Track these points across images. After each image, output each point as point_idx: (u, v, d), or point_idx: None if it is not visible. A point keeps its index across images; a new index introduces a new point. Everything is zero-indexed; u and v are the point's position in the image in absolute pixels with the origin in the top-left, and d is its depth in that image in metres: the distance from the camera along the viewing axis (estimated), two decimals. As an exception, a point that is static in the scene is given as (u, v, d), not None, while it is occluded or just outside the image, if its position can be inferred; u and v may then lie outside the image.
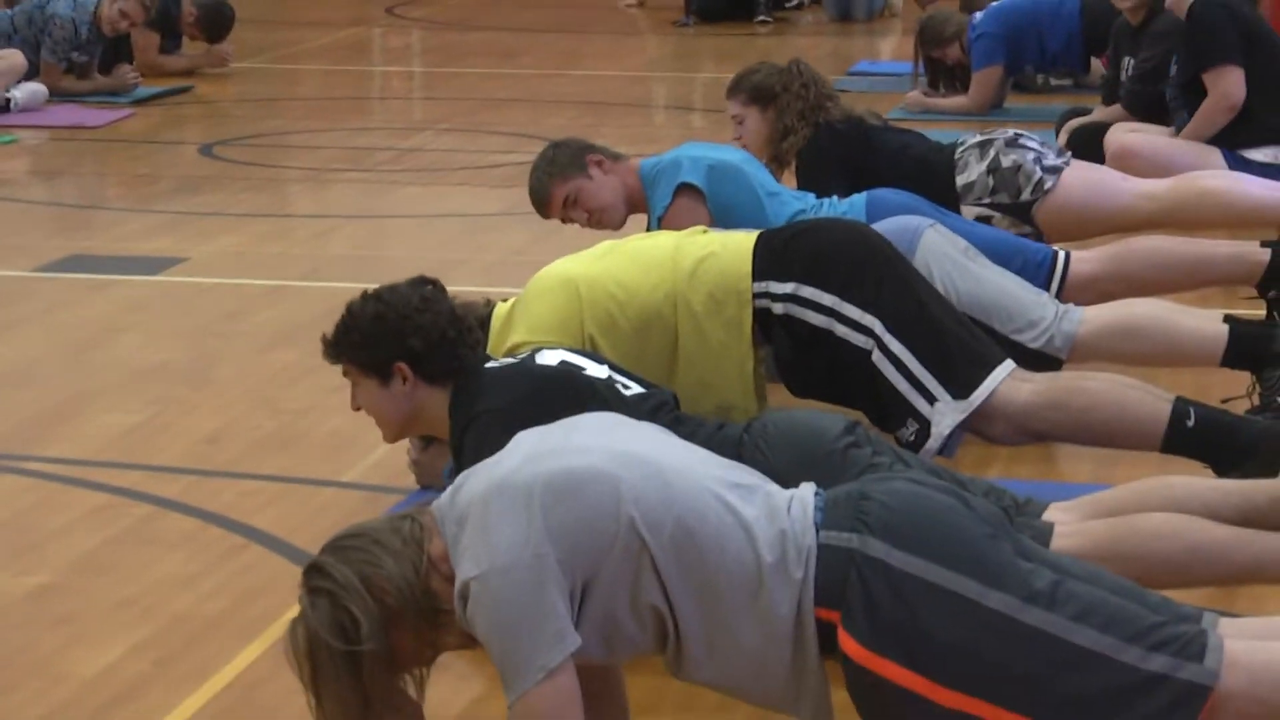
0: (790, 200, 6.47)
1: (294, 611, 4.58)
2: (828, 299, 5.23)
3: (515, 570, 3.53)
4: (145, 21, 12.16)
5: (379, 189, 9.77)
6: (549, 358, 4.62)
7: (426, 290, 4.66)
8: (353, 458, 5.69)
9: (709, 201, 6.32)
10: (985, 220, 7.04)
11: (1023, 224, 7.13)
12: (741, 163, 6.53)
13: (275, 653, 4.40)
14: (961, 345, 5.26)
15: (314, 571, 3.68)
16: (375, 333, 4.60)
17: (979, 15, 11.18)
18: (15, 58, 11.61)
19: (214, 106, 12.08)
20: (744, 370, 5.27)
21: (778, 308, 5.26)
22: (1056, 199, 7.18)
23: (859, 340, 5.18)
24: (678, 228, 5.91)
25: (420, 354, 4.58)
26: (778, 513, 3.64)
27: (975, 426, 5.29)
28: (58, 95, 11.74)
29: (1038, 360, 5.65)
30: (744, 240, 5.39)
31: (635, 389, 4.60)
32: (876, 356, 5.16)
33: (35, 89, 11.56)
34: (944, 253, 5.75)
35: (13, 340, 6.97)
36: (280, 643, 4.41)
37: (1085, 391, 5.25)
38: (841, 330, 5.20)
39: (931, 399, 5.18)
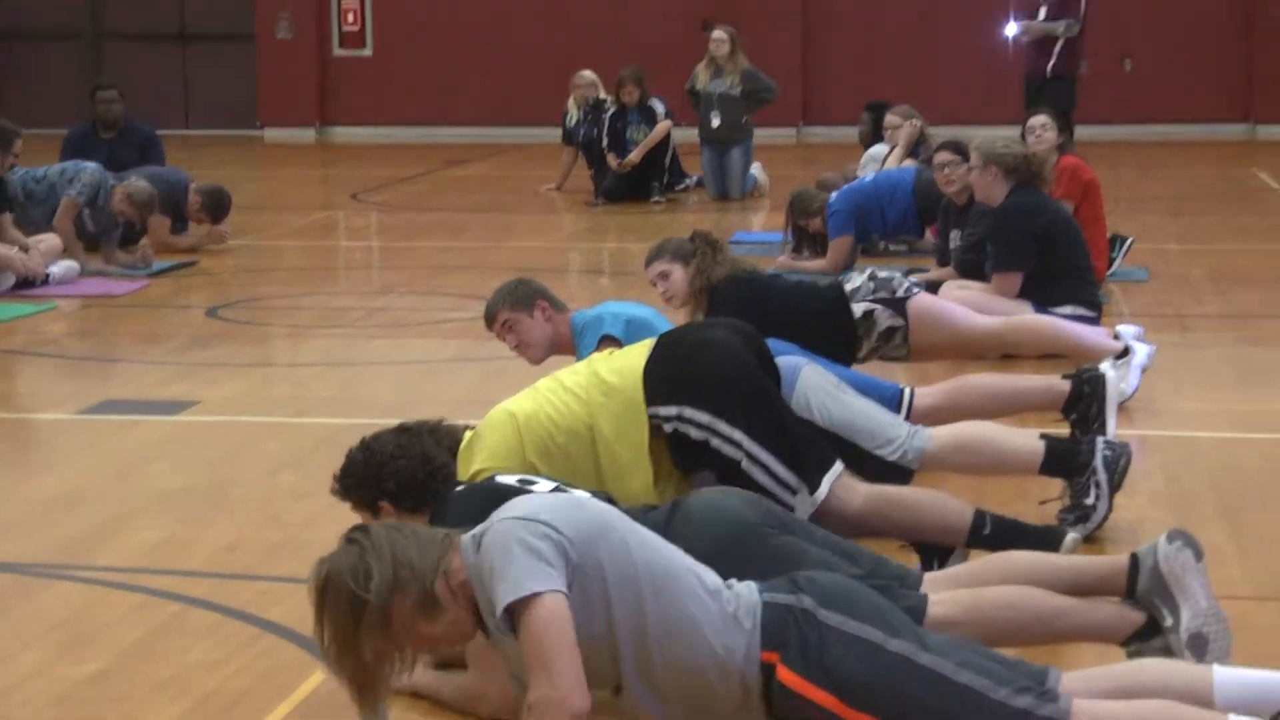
0: None
1: (309, 685, 4.66)
2: (704, 418, 5.27)
3: (531, 526, 3.64)
4: (141, 217, 12.17)
5: (353, 341, 9.79)
6: (507, 479, 4.70)
7: (403, 439, 4.74)
8: (345, 562, 5.72)
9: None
10: (869, 314, 7.24)
11: (898, 316, 7.31)
12: (653, 318, 6.64)
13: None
14: (809, 450, 5.34)
15: (358, 529, 3.76)
16: (360, 479, 4.76)
17: (834, 194, 11.39)
18: (53, 240, 11.61)
19: (216, 277, 12.06)
20: (646, 484, 5.29)
21: (667, 426, 5.32)
22: (924, 298, 7.44)
23: (730, 451, 5.23)
24: None
25: (395, 494, 4.68)
26: (728, 584, 3.79)
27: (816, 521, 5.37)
28: (83, 266, 11.69)
29: (895, 471, 5.75)
30: (636, 366, 5.40)
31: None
32: (746, 464, 5.22)
33: (69, 265, 11.54)
34: (819, 385, 5.86)
35: (63, 471, 6.96)
36: (294, 713, 4.49)
37: (905, 504, 5.35)
38: (716, 443, 5.25)
39: (793, 492, 5.26)
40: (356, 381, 8.66)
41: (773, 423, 5.28)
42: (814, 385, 5.83)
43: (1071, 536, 5.27)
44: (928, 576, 4.55)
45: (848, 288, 7.44)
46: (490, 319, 6.56)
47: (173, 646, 4.99)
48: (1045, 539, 5.22)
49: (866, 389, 6.28)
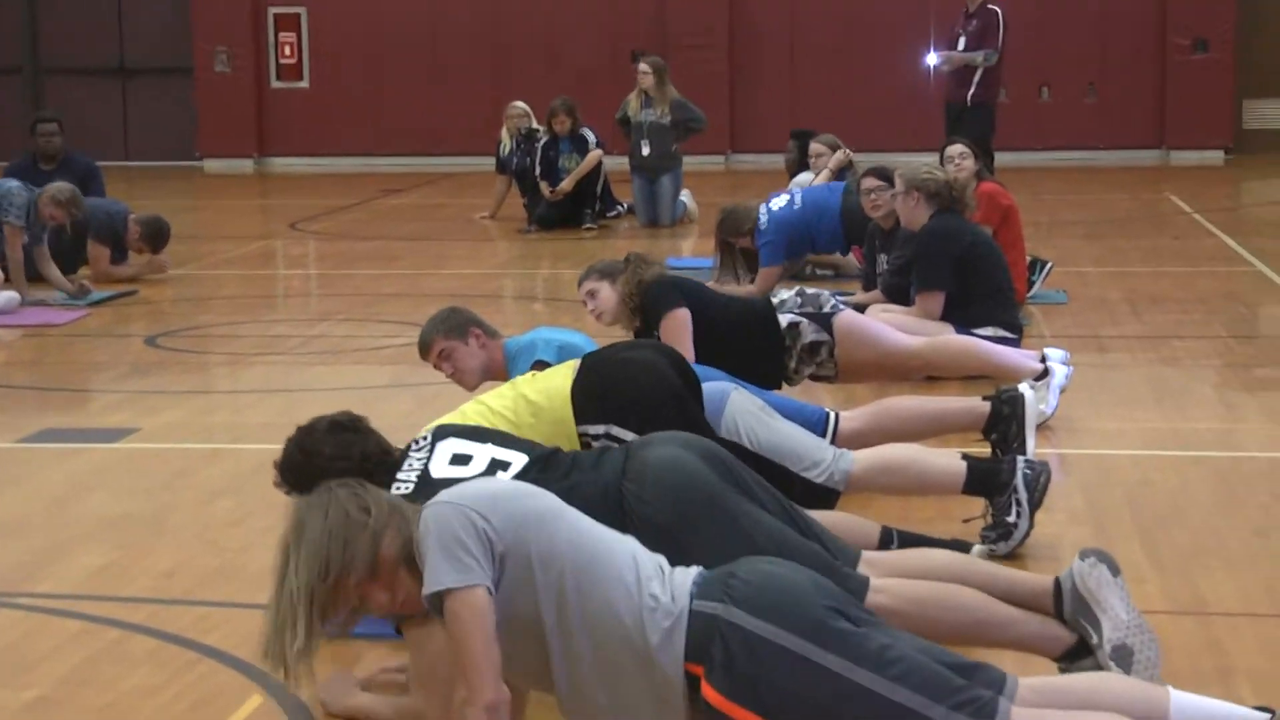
0: None
1: (247, 708, 4.60)
2: (629, 436, 5.26)
3: (462, 512, 3.62)
4: (71, 220, 11.89)
5: (291, 368, 9.73)
6: (441, 452, 4.64)
7: (341, 437, 4.64)
8: (282, 586, 5.66)
9: None
10: (795, 326, 7.27)
11: (824, 331, 7.34)
12: (584, 343, 6.63)
13: (229, 745, 4.42)
14: None
15: (338, 484, 3.77)
16: (300, 479, 4.60)
17: (764, 219, 11.31)
18: (-7, 274, 11.52)
19: (155, 306, 11.96)
20: None
21: (596, 444, 5.31)
22: (849, 315, 7.48)
23: None
24: None
25: None
26: (664, 579, 3.71)
27: None
28: (24, 296, 11.57)
29: (821, 493, 5.75)
30: (562, 386, 5.41)
31: (515, 467, 4.60)
32: None
33: (10, 296, 11.42)
34: (747, 409, 5.85)
35: (2, 499, 6.85)
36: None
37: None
38: None
39: None
40: (294, 408, 8.49)
41: None
42: (742, 409, 5.82)
43: (978, 549, 5.28)
44: (865, 556, 4.55)
45: (775, 300, 7.49)
46: (425, 348, 6.52)
47: (112, 672, 4.93)
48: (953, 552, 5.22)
49: (792, 413, 6.28)
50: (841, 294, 9.89)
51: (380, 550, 3.67)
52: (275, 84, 23.43)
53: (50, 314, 11.36)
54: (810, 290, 7.58)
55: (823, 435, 6.28)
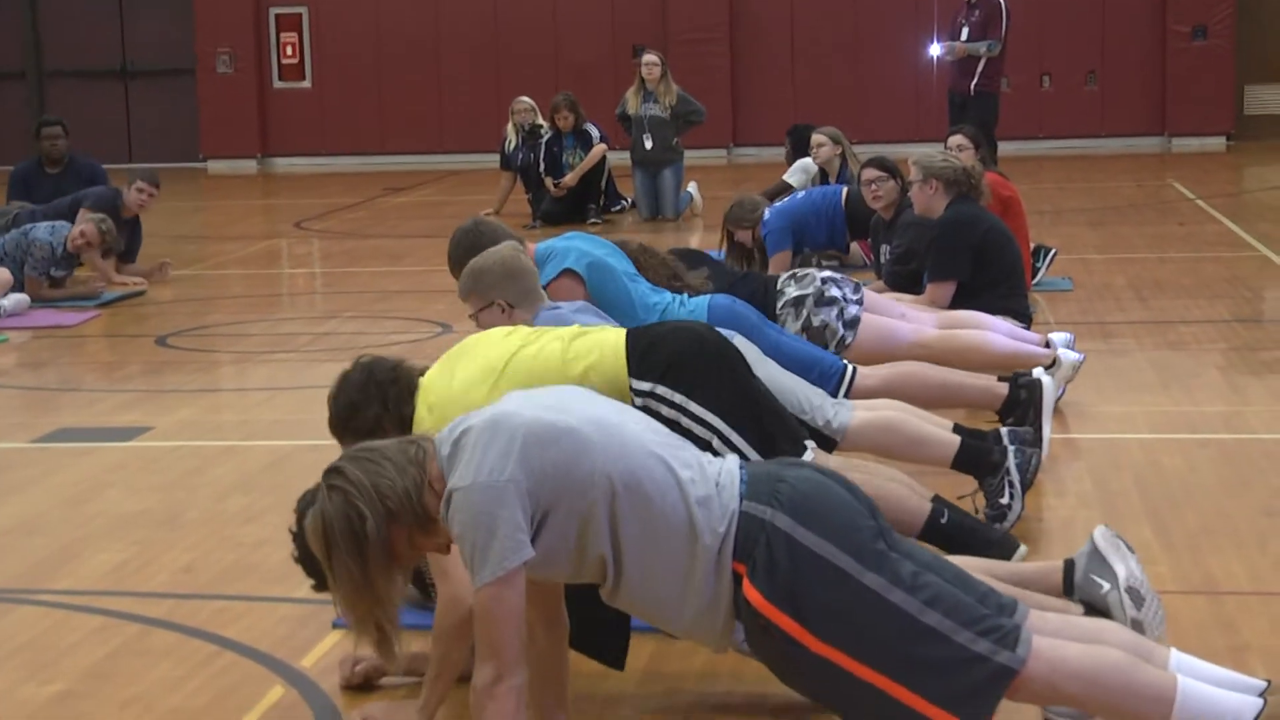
0: (648, 291, 6.73)
1: (269, 699, 4.66)
2: (677, 398, 5.15)
3: (493, 488, 3.62)
4: (102, 245, 12.07)
5: (301, 366, 9.76)
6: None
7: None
8: (300, 579, 5.55)
9: (587, 287, 6.53)
10: (822, 329, 7.46)
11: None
12: (613, 261, 6.71)
13: (253, 735, 4.47)
14: (781, 430, 5.28)
15: (333, 473, 3.73)
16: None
17: (767, 213, 11.29)
18: (3, 274, 11.56)
19: (164, 306, 12.00)
20: None
21: (638, 401, 5.18)
22: (852, 353, 7.44)
23: (701, 432, 5.09)
24: (556, 299, 6.15)
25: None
26: (709, 478, 3.75)
27: None
28: (39, 301, 11.69)
29: (819, 439, 5.77)
30: (617, 343, 5.29)
31: None
32: (716, 444, 5.08)
33: (20, 298, 11.49)
34: (752, 351, 5.87)
35: (20, 499, 6.91)
36: (256, 727, 4.49)
37: (866, 485, 5.33)
38: (686, 423, 5.09)
39: None
40: (304, 405, 8.57)
41: (746, 407, 5.20)
42: (746, 348, 5.87)
43: (1024, 549, 5.33)
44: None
45: (788, 294, 7.50)
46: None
47: (134, 666, 4.98)
48: (1001, 546, 5.27)
49: (810, 358, 6.40)
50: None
51: (394, 545, 3.71)
52: (277, 84, 23.47)
53: (60, 315, 11.41)
54: (818, 319, 7.44)
55: (838, 387, 6.40)
